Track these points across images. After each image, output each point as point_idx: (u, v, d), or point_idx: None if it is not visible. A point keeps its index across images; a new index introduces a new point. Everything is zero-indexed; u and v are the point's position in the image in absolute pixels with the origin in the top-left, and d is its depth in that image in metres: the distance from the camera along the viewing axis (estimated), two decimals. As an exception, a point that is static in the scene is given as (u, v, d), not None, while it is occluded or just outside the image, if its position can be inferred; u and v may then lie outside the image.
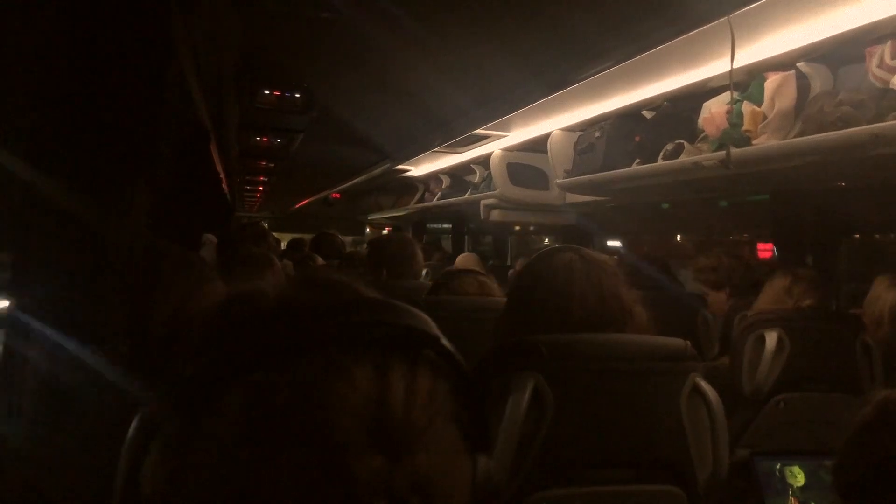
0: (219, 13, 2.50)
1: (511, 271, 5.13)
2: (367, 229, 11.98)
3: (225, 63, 3.15)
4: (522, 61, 2.77)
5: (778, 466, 2.09)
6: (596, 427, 1.36)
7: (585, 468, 1.36)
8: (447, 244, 8.65)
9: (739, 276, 3.20)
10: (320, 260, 4.49)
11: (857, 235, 4.18)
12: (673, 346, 1.43)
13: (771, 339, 2.24)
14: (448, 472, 0.49)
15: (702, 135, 2.70)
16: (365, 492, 0.44)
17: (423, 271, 4.02)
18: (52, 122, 1.42)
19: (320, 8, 2.34)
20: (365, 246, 4.94)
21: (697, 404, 1.42)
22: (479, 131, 3.98)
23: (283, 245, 6.69)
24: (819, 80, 2.28)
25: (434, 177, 6.23)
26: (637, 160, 3.00)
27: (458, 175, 5.91)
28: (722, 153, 2.36)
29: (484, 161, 4.82)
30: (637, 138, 3.05)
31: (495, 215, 4.67)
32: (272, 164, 6.50)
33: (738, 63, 2.16)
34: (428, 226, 9.32)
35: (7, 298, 1.41)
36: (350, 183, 7.42)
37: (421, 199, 6.82)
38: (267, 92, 3.64)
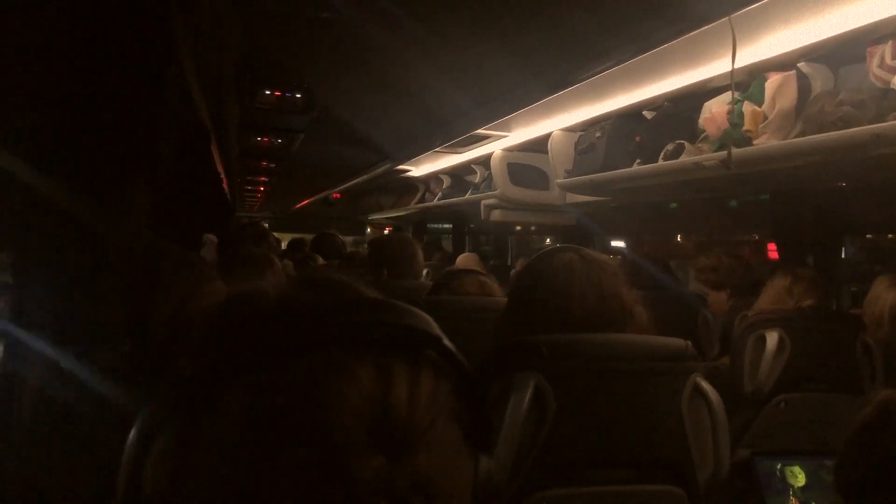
0: (219, 13, 2.50)
1: (512, 271, 5.13)
2: (368, 229, 11.98)
3: (225, 63, 3.15)
4: (523, 61, 2.77)
5: (779, 466, 2.09)
6: (596, 427, 1.36)
7: (586, 468, 1.35)
8: (448, 244, 8.66)
9: (740, 277, 3.20)
10: (321, 260, 4.49)
11: (869, 235, 4.17)
12: (673, 346, 1.43)
13: (771, 339, 2.24)
14: (449, 472, 0.49)
15: (702, 135, 2.70)
16: (366, 492, 0.44)
17: (424, 271, 4.02)
18: (52, 122, 1.42)
19: (320, 8, 2.34)
20: (366, 246, 4.94)
21: (698, 404, 1.42)
22: (480, 131, 3.98)
23: (284, 245, 6.69)
24: (820, 80, 2.28)
25: (434, 177, 6.23)
26: (638, 160, 3.00)
27: (458, 175, 5.91)
28: (723, 153, 2.36)
29: (484, 161, 4.82)
30: (638, 138, 3.05)
31: (496, 215, 4.67)
32: (273, 165, 6.51)
33: (738, 63, 2.16)
34: (428, 226, 9.33)
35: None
36: (351, 183, 7.43)
37: (421, 200, 6.82)
38: (267, 92, 3.64)
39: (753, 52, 2.26)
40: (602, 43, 2.38)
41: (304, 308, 0.51)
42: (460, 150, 4.77)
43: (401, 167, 5.92)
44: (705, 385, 1.43)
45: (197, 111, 3.04)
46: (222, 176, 5.47)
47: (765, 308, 2.47)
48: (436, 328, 0.52)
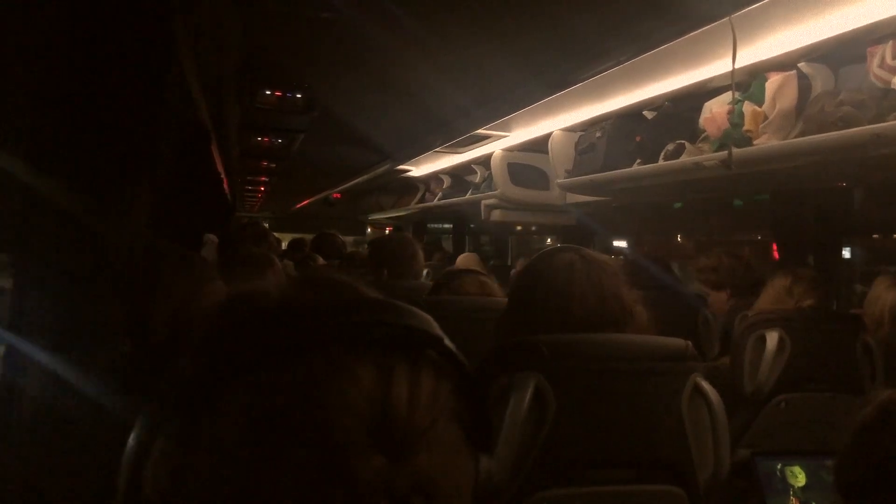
0: (220, 13, 2.50)
1: (512, 271, 5.13)
2: (368, 229, 11.98)
3: (225, 63, 3.15)
4: (523, 61, 2.77)
5: (779, 466, 2.09)
6: (597, 427, 1.36)
7: (586, 468, 1.35)
8: (448, 244, 8.65)
9: (740, 277, 3.19)
10: (321, 260, 4.49)
11: (876, 236, 4.16)
12: (674, 346, 1.43)
13: (772, 339, 2.24)
14: (450, 472, 0.49)
15: (703, 135, 2.70)
16: (366, 492, 0.44)
17: (424, 271, 4.02)
18: (52, 122, 1.42)
19: (321, 8, 2.34)
20: (366, 246, 4.94)
21: (698, 404, 1.42)
22: (480, 131, 3.98)
23: (284, 245, 6.69)
24: (820, 81, 2.28)
25: (435, 177, 6.23)
26: (638, 160, 3.00)
27: (458, 175, 5.91)
28: (723, 153, 2.36)
29: (485, 161, 4.82)
30: (638, 138, 3.05)
31: (496, 215, 4.67)
32: (273, 165, 6.50)
33: (739, 63, 2.16)
34: (429, 226, 9.33)
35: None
36: (351, 183, 7.42)
37: (422, 200, 6.82)
38: (268, 92, 3.64)
39: (754, 52, 2.26)
40: (602, 43, 2.38)
41: (305, 308, 0.51)
42: (460, 150, 4.77)
43: (401, 167, 5.92)
44: (705, 385, 1.43)
45: (197, 111, 3.04)
46: (222, 176, 5.46)
47: (765, 308, 2.47)
48: (436, 328, 0.52)
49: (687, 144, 2.72)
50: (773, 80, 2.33)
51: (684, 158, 2.66)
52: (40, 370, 1.38)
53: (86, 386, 1.37)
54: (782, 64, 2.33)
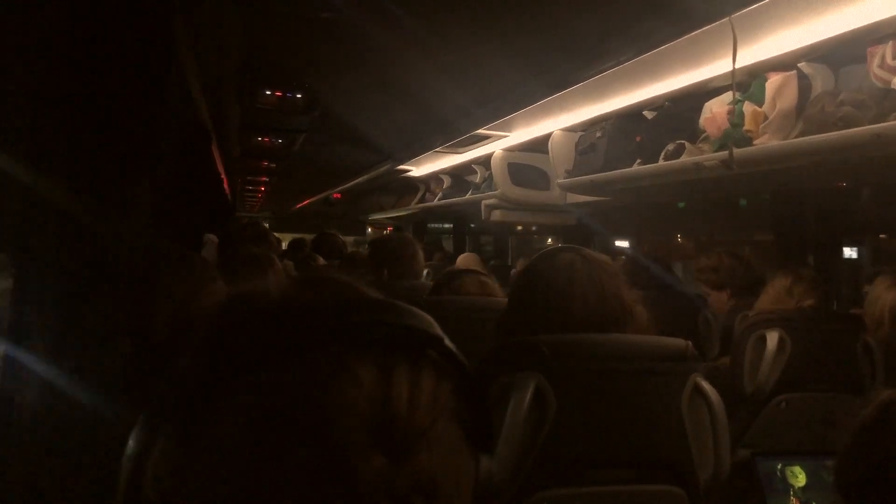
0: (220, 13, 2.50)
1: (513, 271, 5.13)
2: (369, 229, 11.99)
3: (226, 63, 3.15)
4: (524, 61, 2.77)
5: (779, 466, 2.09)
6: (597, 427, 1.36)
7: (586, 468, 1.35)
8: (448, 244, 8.66)
9: (740, 277, 3.20)
10: (321, 260, 4.49)
11: (883, 236, 4.15)
12: (674, 346, 1.43)
13: (772, 339, 2.24)
14: (450, 472, 0.49)
15: (703, 135, 2.70)
16: (367, 491, 0.44)
17: (425, 271, 4.02)
18: (52, 122, 1.42)
19: (321, 8, 2.34)
20: (366, 246, 4.93)
21: (698, 404, 1.42)
22: (481, 131, 3.99)
23: (284, 245, 6.69)
24: (820, 81, 2.28)
25: (435, 177, 6.23)
26: (638, 160, 3.00)
27: (459, 175, 5.92)
28: (724, 153, 2.36)
29: (485, 161, 4.82)
30: (638, 138, 3.05)
31: (496, 215, 4.67)
32: (273, 165, 6.51)
33: (739, 63, 2.16)
34: (429, 226, 9.33)
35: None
36: (351, 183, 7.43)
37: (422, 200, 6.83)
38: (268, 92, 3.64)
39: (754, 52, 2.26)
40: (602, 43, 2.38)
41: (305, 308, 0.51)
42: (461, 150, 4.77)
43: (401, 167, 5.93)
44: (706, 385, 1.43)
45: (197, 111, 3.05)
46: (223, 176, 5.47)
47: (765, 308, 2.47)
48: (437, 328, 0.52)
49: (687, 144, 2.72)
50: (773, 81, 2.33)
51: (684, 158, 2.66)
52: (40, 370, 1.38)
53: (86, 386, 1.37)
54: (782, 64, 2.33)
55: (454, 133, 4.12)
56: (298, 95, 3.71)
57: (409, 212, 7.48)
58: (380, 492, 0.45)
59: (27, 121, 1.41)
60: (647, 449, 1.38)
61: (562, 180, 3.70)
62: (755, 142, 2.33)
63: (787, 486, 2.08)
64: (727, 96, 2.46)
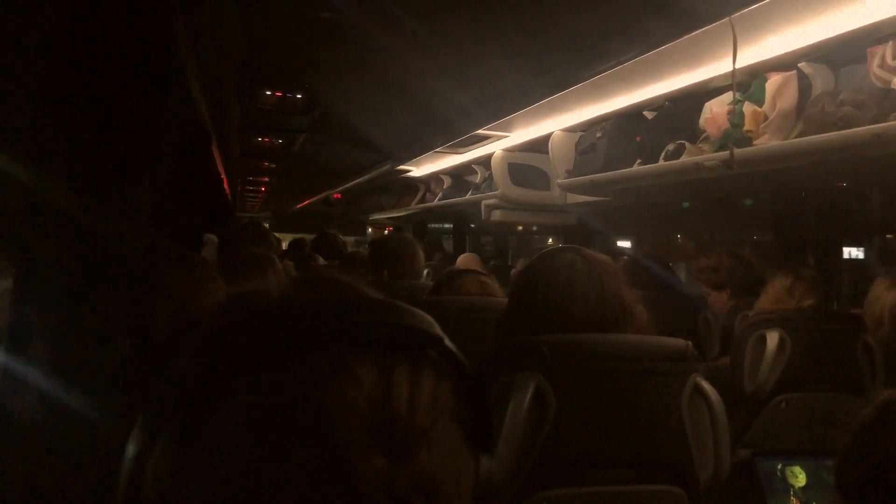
0: (220, 13, 2.50)
1: (513, 271, 5.13)
2: (369, 229, 11.99)
3: (226, 63, 3.15)
4: (524, 62, 2.77)
5: (779, 466, 2.09)
6: (597, 427, 1.36)
7: (586, 468, 1.35)
8: (448, 244, 8.66)
9: (740, 277, 3.20)
10: (321, 260, 4.49)
11: (889, 236, 4.14)
12: (674, 346, 1.43)
13: (772, 339, 2.24)
14: (450, 473, 0.49)
15: (703, 135, 2.70)
16: (367, 491, 0.44)
17: (425, 271, 4.02)
18: (52, 122, 1.42)
19: (321, 8, 2.34)
20: (367, 246, 4.94)
21: (698, 404, 1.42)
22: (481, 132, 3.99)
23: (285, 245, 6.69)
24: (820, 81, 2.28)
25: (435, 177, 6.23)
26: (638, 160, 3.00)
27: (459, 175, 5.92)
28: (725, 153, 2.36)
29: (485, 161, 4.83)
30: (638, 138, 3.05)
31: (497, 215, 4.67)
32: (273, 165, 6.50)
33: (739, 63, 2.16)
34: (429, 226, 9.33)
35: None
36: (352, 183, 7.43)
37: (422, 200, 6.83)
38: (268, 92, 3.64)
39: (754, 52, 2.26)
40: (603, 43, 2.38)
41: (306, 308, 0.51)
42: (461, 150, 4.78)
43: (402, 167, 5.93)
44: (706, 385, 1.43)
45: (197, 111, 3.05)
46: (223, 176, 5.47)
47: (765, 308, 2.47)
48: (437, 328, 0.52)
49: (687, 144, 2.72)
50: (773, 81, 2.33)
51: (685, 158, 2.66)
52: (40, 370, 1.38)
53: (86, 386, 1.37)
54: (783, 64, 2.33)
55: (454, 133, 4.13)
56: (298, 95, 3.71)
57: (410, 212, 7.48)
58: (380, 492, 0.45)
59: (27, 121, 1.41)
60: (647, 449, 1.38)
61: (562, 180, 3.70)
62: (755, 142, 2.33)
63: (787, 487, 2.08)
64: (727, 96, 2.46)
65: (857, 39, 2.05)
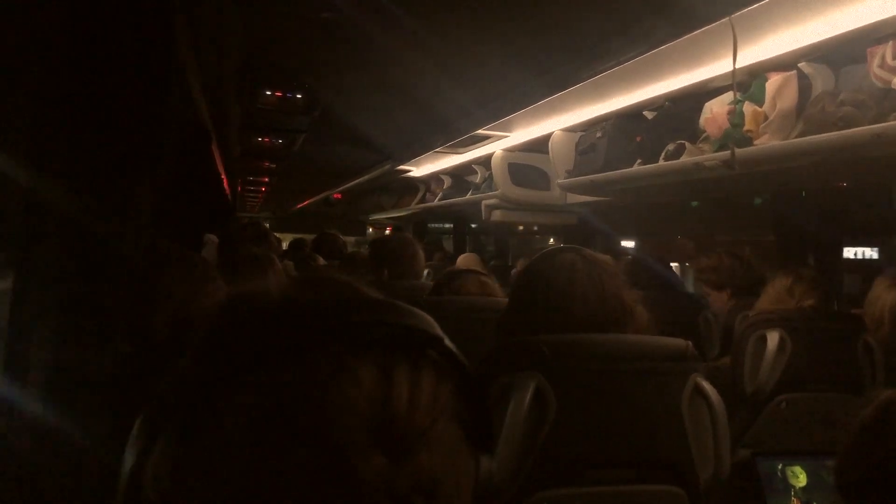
0: (220, 13, 2.50)
1: (513, 271, 5.13)
2: (369, 229, 11.99)
3: (226, 63, 3.15)
4: (524, 61, 2.77)
5: (780, 466, 2.09)
6: (597, 427, 1.36)
7: (587, 468, 1.35)
8: (448, 244, 8.65)
9: (741, 277, 3.19)
10: (321, 260, 4.49)
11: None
12: (674, 346, 1.43)
13: (772, 339, 2.24)
14: (450, 473, 0.49)
15: (703, 135, 2.70)
16: (367, 491, 0.44)
17: (425, 271, 4.02)
18: (52, 121, 1.42)
19: (321, 8, 2.34)
20: (367, 247, 4.94)
21: (699, 404, 1.42)
22: (481, 132, 3.99)
23: (285, 245, 6.68)
24: (820, 81, 2.28)
25: (435, 177, 6.23)
26: (638, 160, 3.00)
27: (459, 175, 5.92)
28: (725, 153, 2.36)
29: (485, 161, 4.83)
30: (638, 138, 3.05)
31: (497, 215, 4.67)
32: (274, 165, 6.51)
33: (739, 63, 2.16)
34: (429, 226, 9.33)
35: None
36: (352, 183, 7.43)
37: (422, 200, 6.83)
38: (268, 92, 3.64)
39: (754, 52, 2.26)
40: (603, 43, 2.38)
41: (306, 308, 0.51)
42: (461, 150, 4.78)
43: (402, 167, 5.93)
44: (706, 385, 1.43)
45: (197, 111, 3.05)
46: (223, 176, 5.47)
47: (765, 308, 2.47)
48: (437, 328, 0.52)
49: (687, 144, 2.72)
50: (773, 81, 2.33)
51: (685, 158, 2.66)
52: (40, 370, 1.38)
53: (86, 386, 1.37)
54: (783, 64, 2.33)
55: (454, 133, 4.13)
56: (298, 95, 3.71)
57: (410, 212, 7.48)
58: (380, 492, 0.45)
59: (27, 121, 1.41)
60: (647, 449, 1.38)
61: (562, 180, 3.70)
62: (755, 142, 2.33)
63: (787, 487, 2.08)
64: (727, 96, 2.46)
65: (857, 39, 2.05)
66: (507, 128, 3.91)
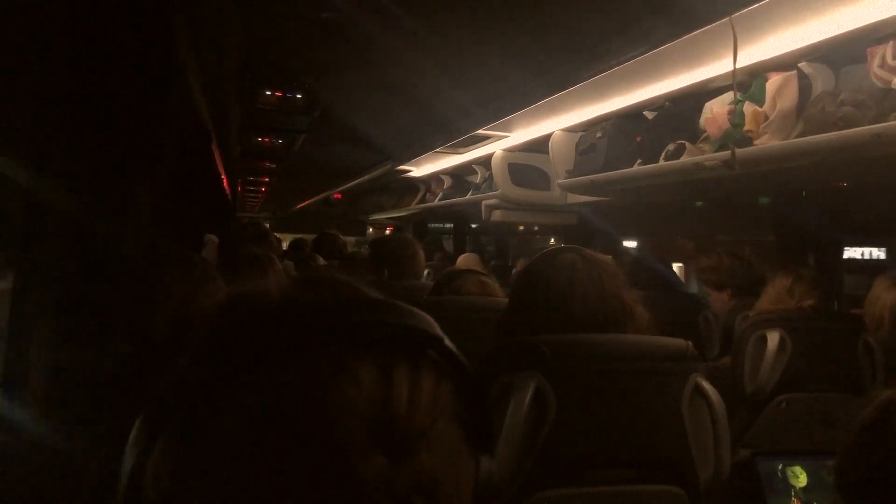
0: (220, 13, 2.50)
1: (513, 271, 5.13)
2: (369, 229, 11.99)
3: (226, 63, 3.15)
4: (524, 61, 2.77)
5: (780, 467, 2.09)
6: (597, 427, 1.35)
7: (587, 468, 1.35)
8: (448, 244, 8.65)
9: (741, 277, 3.19)
10: (321, 260, 4.49)
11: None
12: (674, 346, 1.43)
13: (772, 339, 2.24)
14: (450, 473, 0.49)
15: (703, 135, 2.70)
16: (367, 491, 0.44)
17: (425, 271, 4.02)
18: (52, 122, 1.42)
19: (321, 8, 2.34)
20: (367, 247, 4.93)
21: (699, 404, 1.42)
22: (481, 132, 3.99)
23: (285, 245, 6.68)
24: (821, 81, 2.28)
25: (435, 177, 6.23)
26: (638, 160, 3.00)
27: (459, 175, 5.92)
28: (726, 153, 2.36)
29: (485, 161, 4.83)
30: (638, 138, 3.05)
31: (497, 216, 4.67)
32: (274, 165, 6.51)
33: (740, 63, 2.16)
34: (429, 226, 9.33)
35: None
36: (352, 183, 7.43)
37: (422, 200, 6.83)
38: (268, 92, 3.64)
39: (754, 52, 2.26)
40: (603, 43, 2.38)
41: (306, 307, 0.51)
42: (461, 150, 4.78)
43: (402, 167, 5.93)
44: (706, 385, 1.43)
45: (197, 111, 3.05)
46: (223, 176, 5.47)
47: (766, 308, 2.47)
48: (437, 328, 0.52)
49: (688, 144, 2.72)
50: (773, 81, 2.33)
51: (685, 158, 2.66)
52: (40, 370, 1.38)
53: (86, 386, 1.37)
54: (783, 64, 2.33)
55: (454, 133, 4.13)
56: (298, 95, 3.71)
57: (410, 212, 7.48)
58: (380, 492, 0.45)
59: (27, 121, 1.41)
60: (647, 449, 1.38)
61: (562, 180, 3.70)
62: (755, 142, 2.33)
63: (787, 487, 2.08)
64: (728, 96, 2.46)
65: (857, 39, 2.05)
66: (507, 128, 3.91)
